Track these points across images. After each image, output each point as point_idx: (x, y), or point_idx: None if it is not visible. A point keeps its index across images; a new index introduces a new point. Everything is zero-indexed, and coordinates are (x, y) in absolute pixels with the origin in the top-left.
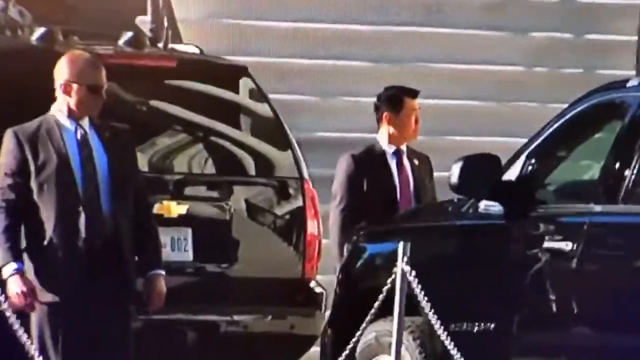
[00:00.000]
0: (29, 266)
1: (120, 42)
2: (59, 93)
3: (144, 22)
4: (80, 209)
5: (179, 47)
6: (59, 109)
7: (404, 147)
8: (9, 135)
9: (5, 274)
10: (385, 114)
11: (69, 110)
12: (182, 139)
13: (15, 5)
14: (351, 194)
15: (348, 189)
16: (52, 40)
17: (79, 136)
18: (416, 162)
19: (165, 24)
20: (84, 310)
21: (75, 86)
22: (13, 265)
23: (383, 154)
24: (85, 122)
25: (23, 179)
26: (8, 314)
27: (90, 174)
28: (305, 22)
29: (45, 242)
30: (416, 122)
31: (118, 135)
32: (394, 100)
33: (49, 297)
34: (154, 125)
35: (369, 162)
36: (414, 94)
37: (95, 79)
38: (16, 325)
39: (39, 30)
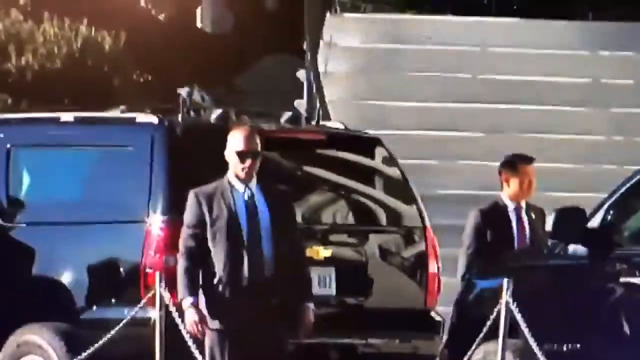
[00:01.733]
0: (202, 299)
1: (282, 120)
2: (228, 160)
3: (301, 103)
4: (244, 254)
5: (328, 123)
6: (231, 173)
7: (523, 203)
8: (190, 195)
9: (184, 306)
10: (504, 175)
11: (237, 175)
12: (328, 197)
13: (200, 91)
14: (477, 242)
15: (475, 237)
16: (227, 119)
17: (246, 197)
18: (533, 215)
19: (318, 105)
20: (247, 337)
21: (231, 154)
22: (189, 299)
23: (505, 209)
24: (253, 184)
25: (200, 230)
26: (186, 338)
27: (254, 227)
28: (427, 102)
29: (216, 281)
30: (530, 183)
31: (279, 195)
32: (511, 165)
33: (216, 324)
34: (306, 185)
35: (492, 215)
36: (527, 160)
37: (245, 147)
38: (193, 347)
39: (217, 111)
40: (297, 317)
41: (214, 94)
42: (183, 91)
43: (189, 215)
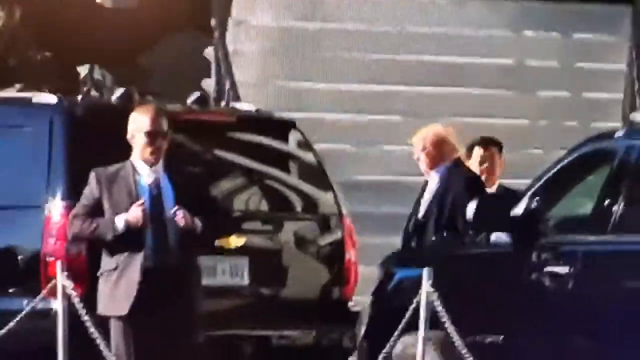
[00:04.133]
0: (103, 287)
1: (189, 101)
2: (132, 142)
3: (209, 84)
4: (147, 240)
5: (238, 105)
6: (136, 156)
7: (492, 188)
8: (91, 174)
9: (119, 224)
10: (466, 158)
11: (143, 157)
12: (240, 183)
13: (100, 69)
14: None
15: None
16: (130, 99)
17: (150, 181)
18: None
19: (227, 85)
20: (150, 324)
21: (137, 135)
22: (117, 219)
23: None
24: (159, 168)
25: (92, 208)
26: (91, 329)
27: (158, 213)
28: (344, 83)
29: (114, 267)
30: (483, 167)
31: (187, 179)
32: (469, 148)
33: (118, 311)
34: (217, 170)
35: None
36: (484, 143)
37: (154, 127)
38: (98, 339)
39: (119, 91)
40: None
41: (116, 73)
42: (83, 69)
43: (86, 192)
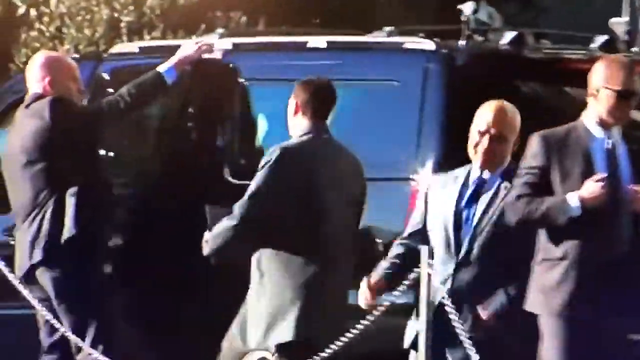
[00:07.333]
0: (541, 279)
1: (593, 46)
2: (590, 99)
3: (619, 23)
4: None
5: None
6: (590, 116)
7: None
8: (536, 139)
9: (574, 201)
10: None
11: (600, 118)
12: None
13: (486, 7)
14: None
15: None
16: (522, 44)
17: (606, 146)
18: None
19: None
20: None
21: (606, 92)
22: (569, 196)
23: None
24: (616, 132)
25: (540, 179)
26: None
27: (615, 186)
28: None
29: (560, 255)
30: None
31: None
32: None
33: (564, 310)
34: None
35: None
36: None
37: (627, 85)
38: (470, 339)
39: (509, 34)
40: None
41: (506, 11)
42: (466, 7)
43: (529, 161)
